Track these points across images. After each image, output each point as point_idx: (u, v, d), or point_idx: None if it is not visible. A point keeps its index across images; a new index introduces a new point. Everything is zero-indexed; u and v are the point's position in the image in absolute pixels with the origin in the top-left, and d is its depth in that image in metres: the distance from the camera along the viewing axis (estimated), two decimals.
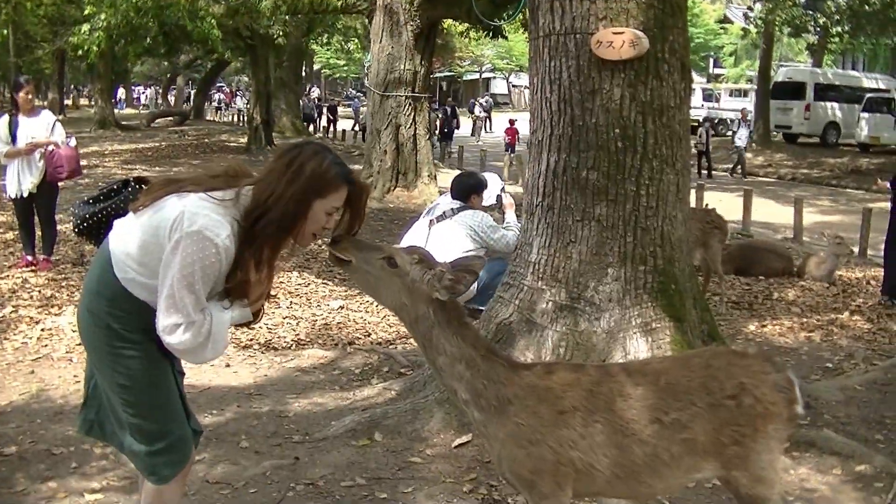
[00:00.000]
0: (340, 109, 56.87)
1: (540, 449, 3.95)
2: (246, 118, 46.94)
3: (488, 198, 10.92)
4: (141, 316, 4.01)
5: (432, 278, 3.99)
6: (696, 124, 34.39)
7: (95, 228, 4.42)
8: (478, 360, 4.01)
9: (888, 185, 12.06)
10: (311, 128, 51.32)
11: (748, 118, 37.41)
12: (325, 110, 54.77)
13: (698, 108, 49.02)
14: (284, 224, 3.92)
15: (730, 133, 42.09)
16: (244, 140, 37.84)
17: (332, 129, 51.42)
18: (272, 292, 4.77)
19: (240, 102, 71.27)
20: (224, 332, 4.01)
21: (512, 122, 35.86)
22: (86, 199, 4.58)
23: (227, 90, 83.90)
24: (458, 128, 41.71)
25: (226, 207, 3.90)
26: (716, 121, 48.44)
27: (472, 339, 4.07)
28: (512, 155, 32.42)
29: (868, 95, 41.01)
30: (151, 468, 4.20)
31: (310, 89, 73.78)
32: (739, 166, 34.72)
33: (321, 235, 4.14)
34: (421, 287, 4.00)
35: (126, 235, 4.03)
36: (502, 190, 10.68)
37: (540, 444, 3.95)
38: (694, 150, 30.66)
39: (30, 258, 12.54)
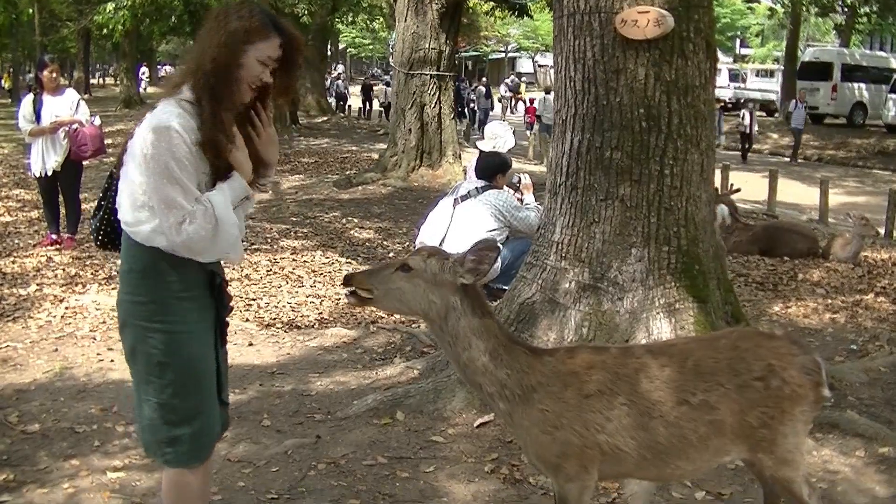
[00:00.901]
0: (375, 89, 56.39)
1: (566, 433, 3.95)
2: None
3: (489, 145, 11.09)
4: (179, 273, 4.01)
5: (454, 265, 3.97)
6: (724, 104, 34.05)
7: (111, 232, 4.42)
8: (501, 351, 3.99)
9: None
10: (345, 107, 50.94)
11: (805, 99, 35.94)
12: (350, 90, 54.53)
13: (724, 89, 48.93)
14: (220, 74, 3.90)
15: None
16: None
17: (366, 108, 51.35)
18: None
19: None
20: (228, 212, 3.94)
21: (532, 101, 35.91)
22: (91, 212, 4.63)
23: None
24: (492, 108, 41.66)
25: (175, 98, 3.95)
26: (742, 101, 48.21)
27: (495, 329, 4.05)
28: (530, 134, 32.71)
29: (895, 76, 40.69)
30: (167, 451, 4.14)
31: (335, 67, 73.51)
32: (795, 148, 33.88)
33: (257, 87, 4.03)
34: (444, 277, 3.98)
35: (119, 197, 4.07)
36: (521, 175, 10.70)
37: (566, 428, 3.95)
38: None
39: (54, 236, 12.61)
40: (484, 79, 50.57)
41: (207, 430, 4.18)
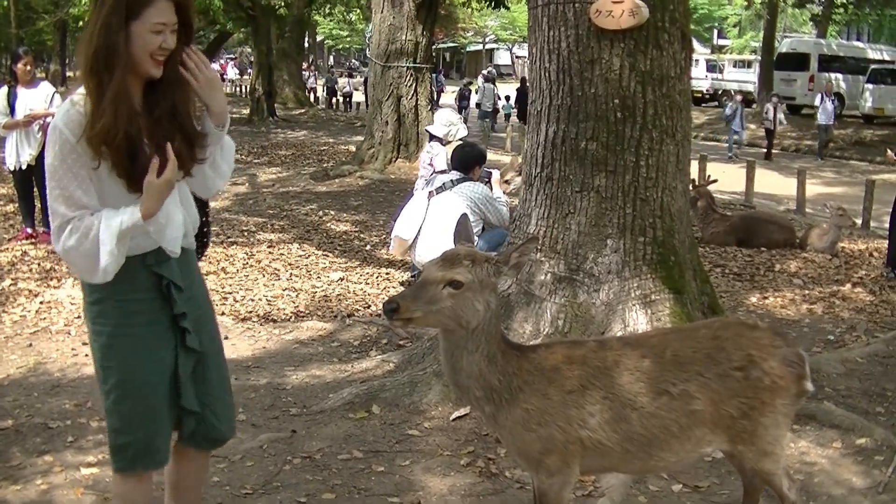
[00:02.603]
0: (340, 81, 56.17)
1: (549, 429, 3.92)
2: (247, 89, 46.77)
3: (444, 133, 11.25)
4: (120, 274, 3.73)
5: (497, 265, 3.84)
6: (730, 94, 33.52)
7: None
8: (498, 357, 3.90)
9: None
10: (334, 101, 50.66)
11: (832, 93, 33.09)
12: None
13: (701, 80, 49.04)
14: (101, 61, 3.61)
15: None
16: (246, 111, 37.73)
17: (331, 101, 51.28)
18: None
19: (231, 73, 70.90)
20: (111, 237, 3.59)
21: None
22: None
23: (222, 62, 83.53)
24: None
25: (75, 93, 3.74)
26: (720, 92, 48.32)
27: (500, 333, 3.98)
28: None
29: (872, 67, 40.79)
30: (113, 457, 4.05)
31: (312, 60, 73.31)
32: (820, 144, 31.95)
33: (163, 56, 3.71)
34: (487, 281, 3.83)
35: None
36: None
37: (549, 424, 3.92)
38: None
39: (29, 230, 12.55)
40: (491, 69, 50.38)
41: (149, 440, 3.97)
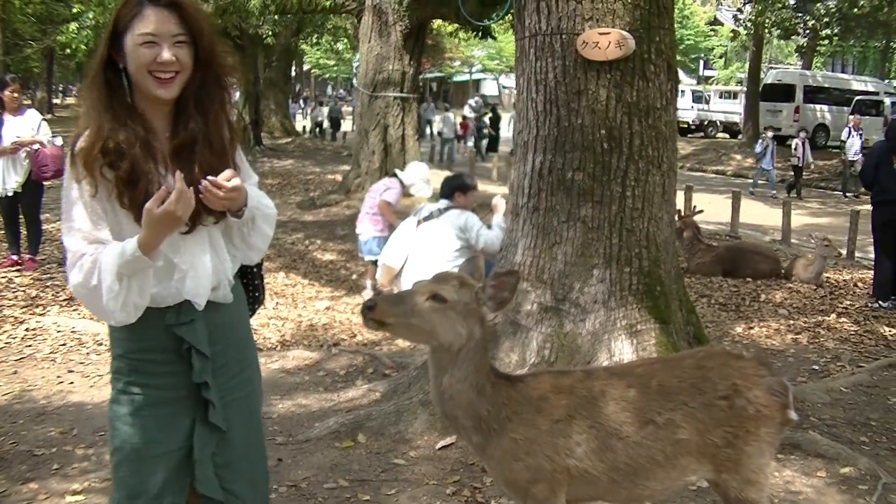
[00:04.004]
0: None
1: (537, 459, 3.90)
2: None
3: (410, 182, 11.35)
4: (133, 330, 3.38)
5: (479, 293, 3.78)
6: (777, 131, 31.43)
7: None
8: (488, 388, 3.86)
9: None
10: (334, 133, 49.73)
11: (861, 127, 30.32)
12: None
13: (687, 110, 49.22)
14: (96, 74, 3.35)
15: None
16: None
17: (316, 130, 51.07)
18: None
19: None
20: (109, 271, 3.19)
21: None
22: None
23: None
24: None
25: None
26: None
27: (488, 364, 3.94)
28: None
29: (857, 98, 40.99)
30: None
31: (333, 88, 72.99)
32: (845, 180, 29.82)
33: (166, 73, 3.31)
34: (472, 307, 3.77)
35: None
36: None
37: (537, 454, 3.90)
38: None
39: (15, 257, 12.53)
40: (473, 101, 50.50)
41: None
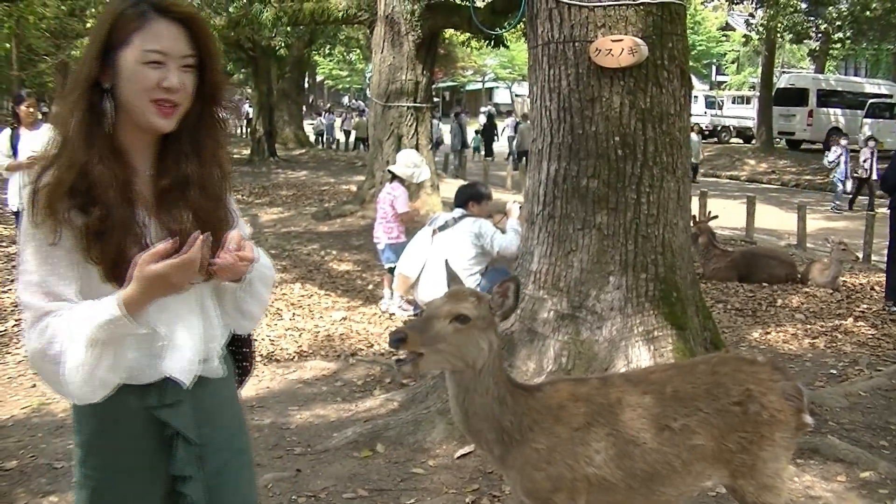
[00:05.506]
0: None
1: (557, 468, 3.90)
2: (248, 130, 46.83)
3: (407, 174, 11.27)
4: (103, 406, 2.75)
5: (491, 305, 3.74)
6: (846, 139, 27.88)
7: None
8: (508, 398, 3.85)
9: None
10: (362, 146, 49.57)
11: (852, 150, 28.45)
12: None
13: (701, 116, 49.12)
14: (77, 98, 2.77)
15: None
16: (247, 152, 37.77)
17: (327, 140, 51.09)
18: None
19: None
20: (76, 335, 2.59)
21: None
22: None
23: None
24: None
25: None
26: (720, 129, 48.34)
27: (505, 374, 3.95)
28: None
29: (870, 101, 40.97)
30: None
31: (352, 100, 73.03)
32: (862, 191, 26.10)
33: (169, 101, 2.75)
34: (490, 320, 3.74)
35: None
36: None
37: (557, 463, 3.90)
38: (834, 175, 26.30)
39: None
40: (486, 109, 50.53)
41: None
